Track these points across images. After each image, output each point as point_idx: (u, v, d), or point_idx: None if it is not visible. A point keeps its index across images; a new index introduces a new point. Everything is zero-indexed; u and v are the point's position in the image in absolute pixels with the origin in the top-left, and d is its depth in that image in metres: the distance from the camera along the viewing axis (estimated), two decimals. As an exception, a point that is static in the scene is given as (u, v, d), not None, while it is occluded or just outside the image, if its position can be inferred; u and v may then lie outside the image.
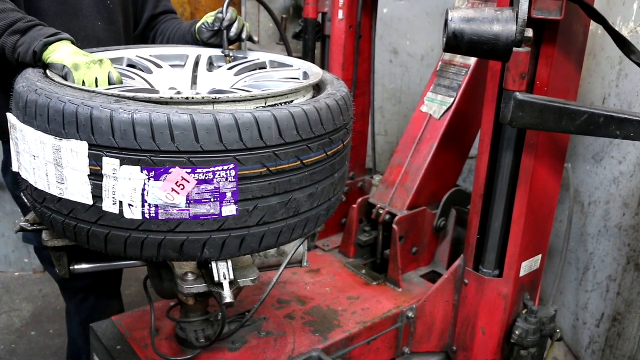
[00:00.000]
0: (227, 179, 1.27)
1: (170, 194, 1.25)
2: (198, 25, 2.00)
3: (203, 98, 1.31)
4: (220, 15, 1.92)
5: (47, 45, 1.54)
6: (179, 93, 1.73)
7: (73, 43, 1.60)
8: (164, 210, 1.27)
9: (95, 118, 1.22)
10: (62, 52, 1.53)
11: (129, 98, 1.28)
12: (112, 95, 1.30)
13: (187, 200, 1.26)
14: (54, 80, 1.45)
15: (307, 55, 2.79)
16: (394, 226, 2.30)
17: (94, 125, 1.22)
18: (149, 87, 1.68)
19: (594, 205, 2.69)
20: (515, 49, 1.42)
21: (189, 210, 1.27)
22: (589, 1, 1.59)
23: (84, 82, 1.48)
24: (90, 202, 1.29)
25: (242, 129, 1.25)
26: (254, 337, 1.94)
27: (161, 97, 1.30)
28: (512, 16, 1.38)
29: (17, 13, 1.63)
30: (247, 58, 1.94)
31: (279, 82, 1.68)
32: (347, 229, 2.54)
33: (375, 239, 2.50)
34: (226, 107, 1.32)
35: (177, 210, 1.27)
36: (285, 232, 1.42)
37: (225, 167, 1.26)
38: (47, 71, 1.53)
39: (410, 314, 2.17)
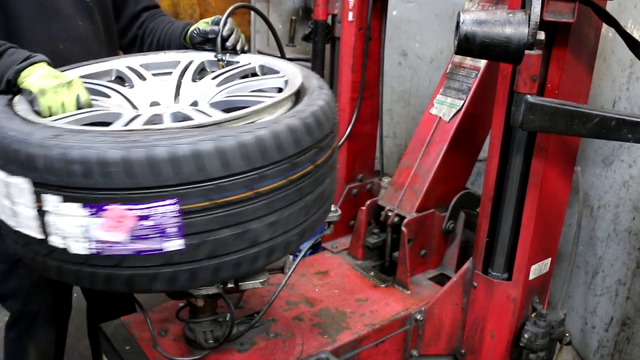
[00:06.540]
0: (167, 215, 1.23)
1: (111, 230, 1.23)
2: (190, 30, 1.96)
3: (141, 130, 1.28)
4: (215, 28, 1.88)
5: (19, 72, 1.53)
6: (154, 104, 1.73)
7: (48, 64, 1.58)
8: (108, 246, 1.25)
9: (32, 156, 1.22)
10: (33, 77, 1.52)
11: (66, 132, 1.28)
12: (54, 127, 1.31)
13: (130, 236, 1.24)
14: (12, 109, 1.45)
15: (317, 57, 2.79)
16: (403, 228, 2.30)
17: (32, 163, 1.22)
18: (122, 105, 1.65)
19: (603, 209, 2.68)
20: (526, 52, 1.42)
21: (132, 246, 1.25)
22: (600, 3, 1.59)
23: (50, 107, 1.48)
24: (40, 236, 1.29)
25: (179, 163, 1.20)
26: (263, 338, 1.94)
27: (98, 131, 1.28)
28: (524, 19, 1.38)
29: None
30: (239, 62, 1.88)
31: (251, 95, 1.60)
32: (355, 230, 2.54)
33: (383, 241, 2.50)
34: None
35: (120, 246, 1.25)
36: (245, 263, 1.36)
37: (165, 203, 1.22)
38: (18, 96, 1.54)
39: (419, 317, 2.17)
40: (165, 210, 1.22)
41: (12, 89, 1.56)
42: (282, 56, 2.19)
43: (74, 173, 1.19)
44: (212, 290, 1.50)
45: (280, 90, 1.64)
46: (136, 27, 2.19)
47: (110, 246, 1.25)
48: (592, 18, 1.68)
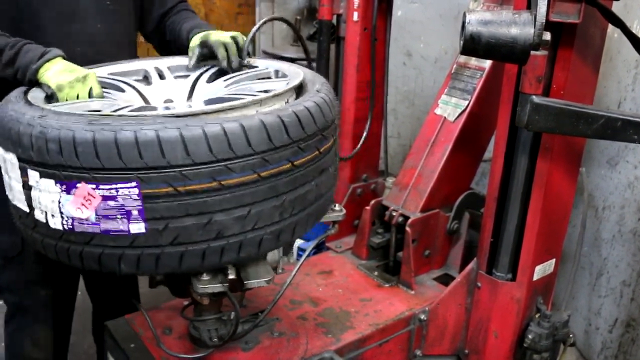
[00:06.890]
0: (130, 197, 1.27)
1: (80, 207, 1.29)
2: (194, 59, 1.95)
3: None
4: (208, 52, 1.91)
5: (37, 70, 1.61)
6: (168, 101, 1.79)
7: (63, 57, 1.65)
8: (79, 223, 1.31)
9: (20, 133, 1.31)
10: (50, 72, 1.60)
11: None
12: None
13: (96, 214, 1.29)
14: (25, 94, 1.55)
15: (322, 57, 2.79)
16: (407, 228, 2.30)
17: (20, 140, 1.31)
18: (132, 100, 1.70)
19: (608, 210, 2.68)
20: (532, 52, 1.42)
21: (99, 225, 1.30)
22: (606, 4, 1.58)
23: (67, 101, 1.57)
24: (27, 209, 1.38)
25: (142, 148, 1.23)
26: (267, 337, 1.95)
27: (79, 114, 1.34)
28: (529, 19, 1.38)
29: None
30: (258, 67, 1.91)
31: (246, 94, 1.59)
32: (359, 230, 2.54)
33: (388, 241, 2.50)
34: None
35: (89, 224, 1.31)
36: (212, 254, 1.36)
37: (128, 185, 1.26)
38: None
39: (423, 317, 2.17)
40: (129, 193, 1.27)
41: (35, 85, 1.63)
42: (307, 58, 2.21)
43: (51, 151, 1.26)
44: (217, 288, 1.50)
45: None
46: (164, 23, 2.21)
47: (81, 223, 1.31)
48: (598, 19, 1.68)
